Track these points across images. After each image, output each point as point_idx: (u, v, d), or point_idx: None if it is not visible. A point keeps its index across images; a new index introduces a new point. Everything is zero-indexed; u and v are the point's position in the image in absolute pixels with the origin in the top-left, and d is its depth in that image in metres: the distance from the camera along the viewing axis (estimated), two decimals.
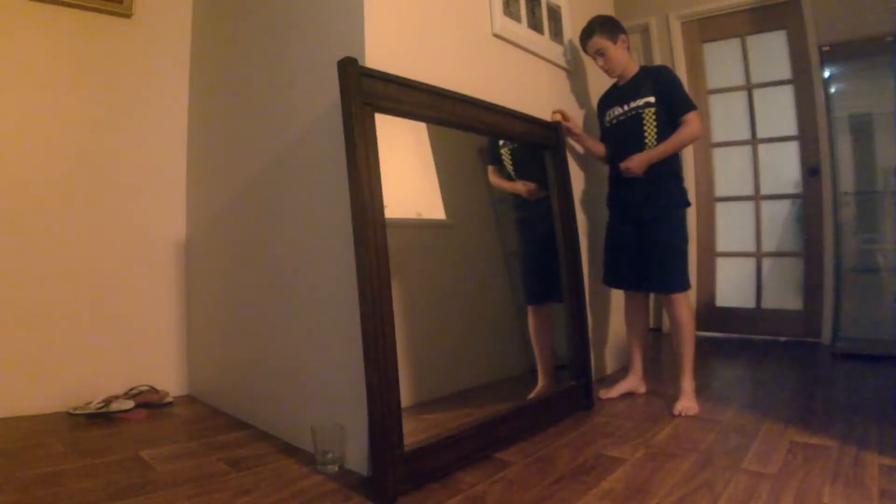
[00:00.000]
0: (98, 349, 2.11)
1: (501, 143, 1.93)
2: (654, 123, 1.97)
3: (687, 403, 1.86)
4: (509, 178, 1.98)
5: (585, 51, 2.12)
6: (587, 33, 2.06)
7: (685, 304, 1.95)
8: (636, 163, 1.95)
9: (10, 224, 1.96)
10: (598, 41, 2.03)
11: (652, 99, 1.98)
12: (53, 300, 2.03)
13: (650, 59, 3.51)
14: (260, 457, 1.55)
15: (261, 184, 1.87)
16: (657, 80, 2.00)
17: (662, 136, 1.96)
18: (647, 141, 1.98)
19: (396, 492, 1.24)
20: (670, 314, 1.97)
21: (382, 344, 1.26)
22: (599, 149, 2.18)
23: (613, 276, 2.14)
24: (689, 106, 1.94)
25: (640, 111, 1.99)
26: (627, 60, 2.06)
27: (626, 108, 2.04)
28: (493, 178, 1.94)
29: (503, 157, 1.95)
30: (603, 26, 2.03)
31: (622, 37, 2.04)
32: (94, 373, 2.08)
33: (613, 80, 2.14)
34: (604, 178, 2.46)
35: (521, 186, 1.98)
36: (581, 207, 2.30)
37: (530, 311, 1.97)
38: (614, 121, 2.09)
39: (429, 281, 1.68)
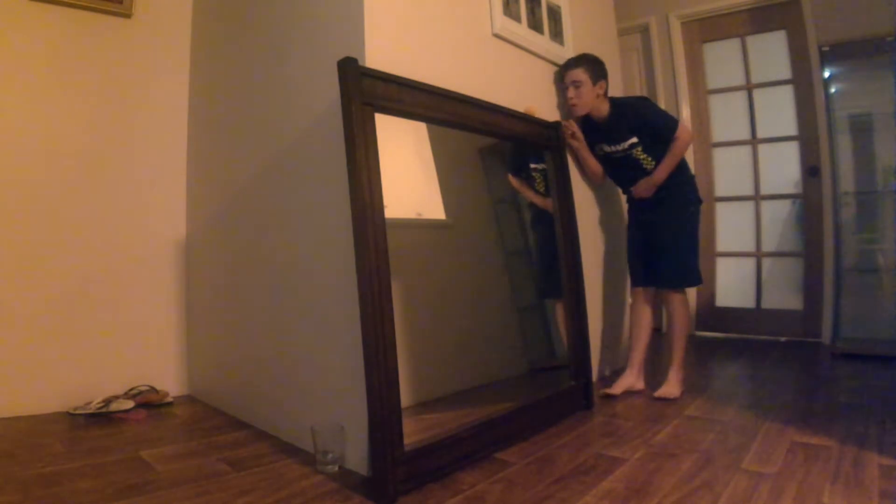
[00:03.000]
0: (98, 349, 2.11)
1: (533, 165, 1.97)
2: (646, 155, 2.05)
3: (670, 389, 2.01)
4: (536, 191, 2.00)
5: (564, 76, 2.11)
6: (574, 62, 2.08)
7: (684, 300, 2.05)
8: (644, 189, 2.04)
9: (9, 224, 1.96)
10: (581, 74, 2.04)
11: (635, 139, 2.04)
12: (53, 300, 2.03)
13: (650, 59, 3.52)
14: (260, 457, 1.55)
15: (261, 184, 1.87)
16: (630, 120, 2.03)
17: (659, 156, 2.02)
18: (647, 169, 2.06)
19: (396, 492, 1.24)
20: (668, 309, 2.07)
21: (382, 344, 1.26)
22: (597, 168, 2.20)
23: (631, 273, 2.21)
24: (672, 124, 2.00)
25: (629, 152, 2.06)
26: (597, 104, 2.07)
27: (613, 148, 2.09)
28: (515, 183, 1.97)
29: (535, 176, 1.99)
30: (591, 64, 2.06)
31: (602, 83, 2.07)
32: (94, 373, 2.08)
33: (619, 81, 2.18)
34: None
35: (550, 203, 2.01)
36: (584, 207, 2.29)
37: (554, 303, 2.03)
38: (607, 156, 2.15)
39: (429, 281, 1.68)
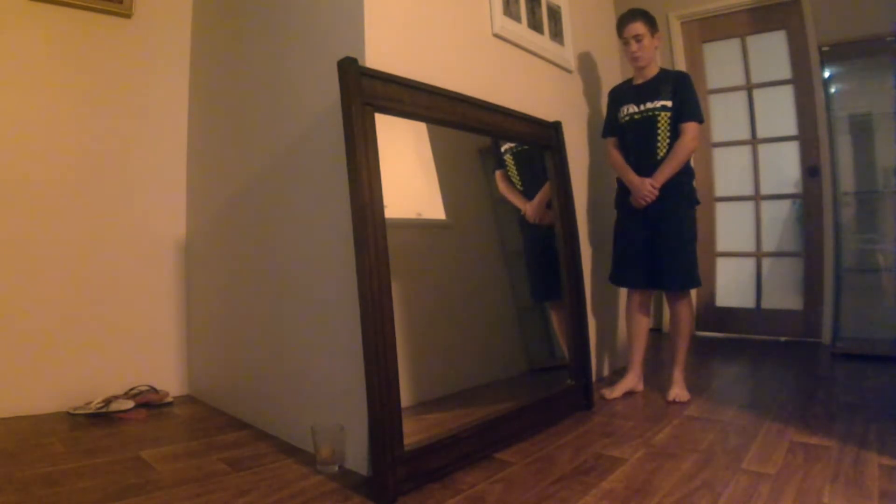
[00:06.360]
0: (98, 349, 2.11)
1: (503, 147, 1.93)
2: (668, 129, 2.00)
3: (679, 391, 2.01)
4: (513, 184, 1.97)
5: (622, 32, 2.09)
6: (632, 15, 2.07)
7: (689, 301, 2.04)
8: (649, 194, 1.98)
9: (9, 223, 1.96)
10: (641, 27, 2.04)
11: (669, 103, 2.00)
12: (53, 300, 2.03)
13: None
14: (260, 457, 1.55)
15: (261, 184, 1.87)
16: (676, 83, 2.02)
17: (674, 142, 1.99)
18: (659, 146, 2.01)
19: (396, 492, 1.24)
20: (675, 310, 2.04)
21: (382, 344, 1.26)
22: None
23: (624, 275, 2.15)
24: (696, 116, 1.98)
25: (656, 114, 2.02)
26: (654, 58, 2.08)
27: (641, 107, 2.06)
28: (501, 185, 1.94)
29: (507, 161, 1.95)
30: (646, 16, 2.07)
31: (658, 34, 2.09)
32: (94, 373, 2.08)
33: (625, 79, 2.15)
34: (604, 177, 2.47)
35: (528, 210, 1.97)
36: (582, 207, 2.30)
37: (549, 306, 2.03)
38: (627, 118, 2.10)
39: (429, 281, 1.68)
